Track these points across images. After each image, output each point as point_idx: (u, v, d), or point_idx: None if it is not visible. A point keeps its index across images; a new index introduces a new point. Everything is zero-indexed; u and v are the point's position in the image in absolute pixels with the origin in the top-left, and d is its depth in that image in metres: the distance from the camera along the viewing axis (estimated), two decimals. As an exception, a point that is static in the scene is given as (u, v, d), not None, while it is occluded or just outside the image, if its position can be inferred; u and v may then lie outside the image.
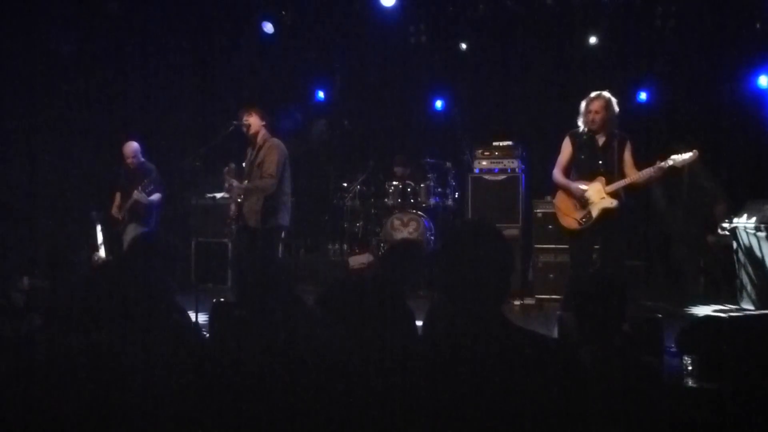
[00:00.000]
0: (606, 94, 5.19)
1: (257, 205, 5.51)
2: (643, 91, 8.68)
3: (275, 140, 5.64)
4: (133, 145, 6.76)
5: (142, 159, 6.77)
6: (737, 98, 8.09)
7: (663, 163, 5.00)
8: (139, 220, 6.60)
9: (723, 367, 2.99)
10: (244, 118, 5.58)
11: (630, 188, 5.20)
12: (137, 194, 6.47)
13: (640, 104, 8.66)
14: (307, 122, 9.37)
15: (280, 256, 5.92)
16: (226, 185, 5.57)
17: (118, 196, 6.79)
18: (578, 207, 5.20)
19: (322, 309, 3.12)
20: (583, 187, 5.15)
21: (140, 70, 8.43)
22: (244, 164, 5.74)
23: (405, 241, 6.75)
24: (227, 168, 5.50)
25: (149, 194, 6.54)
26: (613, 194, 5.08)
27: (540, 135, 7.82)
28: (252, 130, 5.59)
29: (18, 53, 7.44)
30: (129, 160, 6.73)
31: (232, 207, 5.65)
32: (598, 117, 5.11)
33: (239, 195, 5.54)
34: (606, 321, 2.49)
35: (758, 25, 7.82)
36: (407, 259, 3.41)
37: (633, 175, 5.09)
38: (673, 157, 5.00)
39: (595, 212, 5.11)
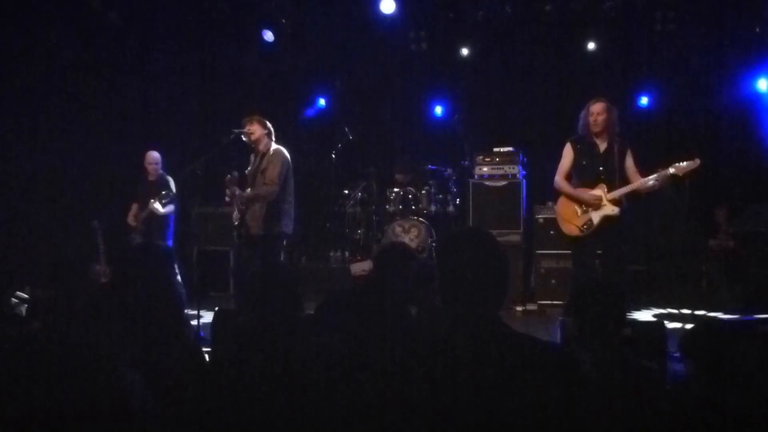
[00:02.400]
0: (605, 99, 5.22)
1: (260, 213, 5.51)
2: (644, 95, 8.70)
3: (278, 148, 5.64)
4: (154, 154, 6.83)
5: (161, 170, 6.80)
6: (737, 101, 8.11)
7: (664, 171, 5.00)
8: (157, 234, 6.57)
9: (727, 372, 2.98)
10: (246, 126, 5.59)
11: (632, 195, 5.20)
12: (153, 204, 6.48)
13: (641, 109, 8.68)
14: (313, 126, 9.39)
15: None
16: (228, 193, 5.58)
17: (135, 206, 6.78)
18: (579, 214, 5.20)
19: (323, 316, 3.11)
20: (592, 192, 5.15)
21: (141, 79, 8.45)
22: (247, 172, 5.75)
23: (394, 244, 6.62)
24: (229, 176, 5.49)
25: (164, 206, 6.55)
26: (614, 201, 5.08)
27: (540, 140, 7.83)
28: (254, 138, 5.60)
29: (20, 61, 7.46)
30: (150, 167, 6.77)
31: (235, 215, 5.65)
32: (600, 118, 5.12)
33: (241, 203, 5.54)
34: (605, 326, 2.49)
35: (757, 29, 7.84)
36: (397, 262, 3.32)
37: (635, 182, 5.09)
38: (675, 164, 5.00)
39: (596, 219, 5.11)
